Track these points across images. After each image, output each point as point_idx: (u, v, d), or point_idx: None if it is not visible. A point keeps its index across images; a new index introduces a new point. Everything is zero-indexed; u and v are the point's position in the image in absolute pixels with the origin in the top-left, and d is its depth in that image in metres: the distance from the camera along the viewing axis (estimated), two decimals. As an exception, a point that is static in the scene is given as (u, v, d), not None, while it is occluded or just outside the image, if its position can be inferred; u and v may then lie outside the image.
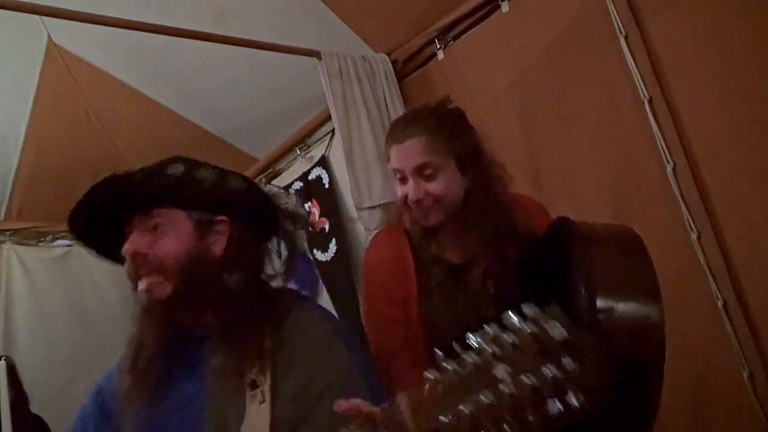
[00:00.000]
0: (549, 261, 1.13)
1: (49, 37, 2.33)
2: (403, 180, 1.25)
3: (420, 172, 1.22)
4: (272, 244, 1.14)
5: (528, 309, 0.54)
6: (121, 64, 2.49)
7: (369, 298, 1.33)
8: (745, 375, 1.58)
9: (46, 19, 2.18)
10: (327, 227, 2.73)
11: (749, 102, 1.61)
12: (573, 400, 0.50)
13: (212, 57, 2.37)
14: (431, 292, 1.22)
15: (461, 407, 0.53)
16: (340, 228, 2.68)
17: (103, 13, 1.78)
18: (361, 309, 2.57)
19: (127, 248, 0.97)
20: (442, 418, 0.55)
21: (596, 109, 1.91)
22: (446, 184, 1.23)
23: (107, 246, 1.07)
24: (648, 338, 0.89)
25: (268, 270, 1.11)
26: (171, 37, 1.99)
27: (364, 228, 2.32)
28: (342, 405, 0.66)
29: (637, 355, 0.88)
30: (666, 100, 1.74)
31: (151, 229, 0.99)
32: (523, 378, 0.51)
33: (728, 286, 1.62)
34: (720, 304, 1.62)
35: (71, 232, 1.04)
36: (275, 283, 1.12)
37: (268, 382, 0.94)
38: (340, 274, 2.65)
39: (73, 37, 2.35)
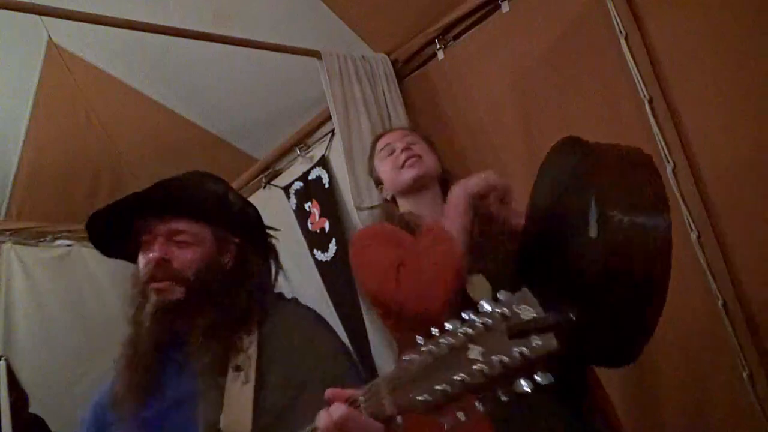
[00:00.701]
0: (550, 182, 1.17)
1: (49, 37, 2.33)
2: (390, 152, 1.46)
3: (405, 139, 1.48)
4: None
5: (501, 294, 0.57)
6: (121, 64, 2.49)
7: (365, 248, 1.33)
8: (745, 375, 1.58)
9: (46, 19, 2.18)
10: (327, 227, 2.73)
11: (749, 102, 1.61)
12: (541, 378, 0.53)
13: (212, 57, 2.37)
14: None
15: (436, 386, 0.57)
16: (340, 228, 2.68)
17: (103, 13, 1.79)
18: (362, 307, 2.58)
19: (154, 255, 1.05)
20: (418, 397, 0.58)
21: (596, 109, 1.91)
22: (428, 151, 1.47)
23: (111, 243, 1.16)
24: (654, 248, 0.91)
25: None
26: (171, 37, 1.99)
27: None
28: (328, 393, 0.70)
29: (643, 265, 0.90)
30: (666, 100, 1.75)
31: (175, 239, 1.08)
32: (494, 357, 0.54)
33: (728, 286, 1.62)
34: (720, 304, 1.62)
35: (92, 223, 1.11)
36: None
37: (253, 366, 1.00)
38: (340, 274, 2.64)
39: (73, 37, 2.35)
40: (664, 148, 1.73)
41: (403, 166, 1.41)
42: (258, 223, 1.22)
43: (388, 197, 1.48)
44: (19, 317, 2.78)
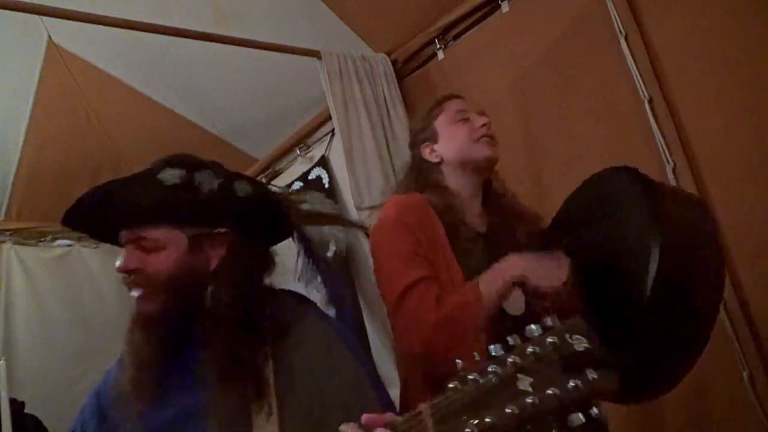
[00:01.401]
0: (594, 200, 1.19)
1: (49, 37, 2.33)
2: (465, 120, 1.36)
3: (482, 114, 1.38)
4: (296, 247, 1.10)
5: (550, 320, 0.54)
6: (121, 64, 2.49)
7: (389, 242, 1.26)
8: (745, 375, 1.58)
9: (46, 19, 2.18)
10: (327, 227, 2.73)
11: (749, 102, 1.61)
12: (595, 412, 0.50)
13: (212, 57, 2.37)
14: (464, 249, 1.23)
15: (486, 419, 0.53)
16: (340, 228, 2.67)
17: (103, 13, 1.79)
18: (362, 307, 2.58)
19: (118, 265, 0.97)
20: (466, 429, 0.54)
21: (596, 109, 1.91)
22: None
23: (107, 235, 1.06)
24: (707, 274, 0.94)
25: (279, 273, 1.08)
26: (171, 37, 1.99)
27: (365, 228, 2.32)
28: (366, 418, 0.65)
29: (692, 273, 0.93)
30: (666, 100, 1.74)
31: (142, 245, 0.97)
32: (548, 391, 0.51)
33: (728, 287, 1.62)
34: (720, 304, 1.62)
35: (68, 227, 1.05)
36: (284, 286, 1.09)
37: (273, 394, 0.91)
38: (341, 274, 2.64)
39: (73, 37, 2.34)
40: (664, 148, 1.73)
41: (479, 140, 1.33)
42: (257, 205, 1.03)
43: (435, 159, 1.36)
44: (19, 317, 2.78)
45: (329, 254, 2.86)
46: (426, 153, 1.37)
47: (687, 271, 0.90)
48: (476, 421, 0.54)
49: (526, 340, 0.54)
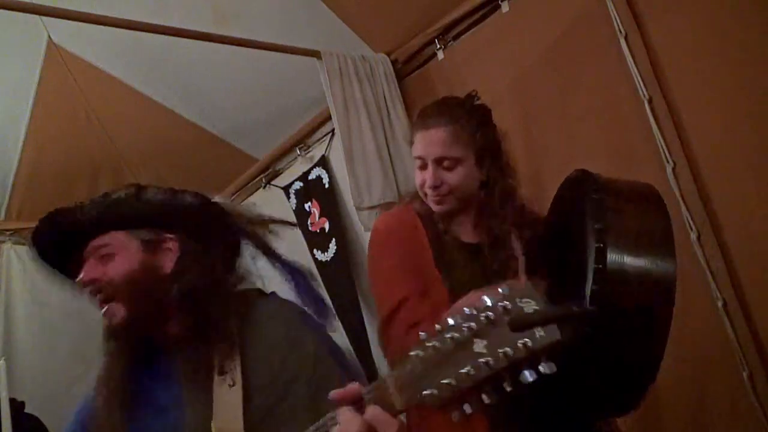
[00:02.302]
0: (564, 211, 1.17)
1: (49, 37, 2.33)
2: (423, 167, 1.32)
3: (440, 162, 1.29)
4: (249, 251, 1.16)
5: (502, 288, 0.58)
6: (121, 64, 2.49)
7: (377, 256, 1.31)
8: (745, 375, 1.58)
9: (46, 19, 2.18)
10: (327, 227, 2.73)
11: (749, 102, 1.61)
12: (545, 369, 0.54)
13: (212, 57, 2.37)
14: (448, 259, 1.27)
15: (444, 380, 0.57)
16: (340, 228, 2.68)
17: (103, 13, 1.78)
18: (362, 307, 2.58)
19: (81, 278, 1.02)
20: (425, 392, 0.59)
21: (596, 109, 1.91)
22: (463, 176, 1.30)
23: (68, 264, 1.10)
24: (656, 288, 0.92)
25: (239, 274, 1.13)
26: (171, 37, 1.99)
27: (364, 228, 2.32)
28: (335, 393, 0.68)
29: (644, 306, 0.91)
30: (666, 100, 1.74)
31: (100, 256, 1.02)
32: (499, 350, 0.55)
33: (728, 286, 1.62)
34: (720, 304, 1.62)
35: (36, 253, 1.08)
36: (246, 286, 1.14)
37: (238, 368, 0.97)
38: (340, 274, 2.64)
39: (73, 37, 2.35)
40: (664, 148, 1.73)
41: (426, 195, 1.33)
42: (203, 214, 1.09)
43: None
44: (19, 317, 2.78)
45: (329, 255, 2.86)
46: None
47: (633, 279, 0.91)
48: (435, 382, 0.58)
49: (482, 308, 0.58)
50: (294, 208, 2.89)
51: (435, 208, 1.33)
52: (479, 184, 1.34)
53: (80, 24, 1.82)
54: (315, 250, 2.77)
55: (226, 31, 2.08)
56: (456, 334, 0.58)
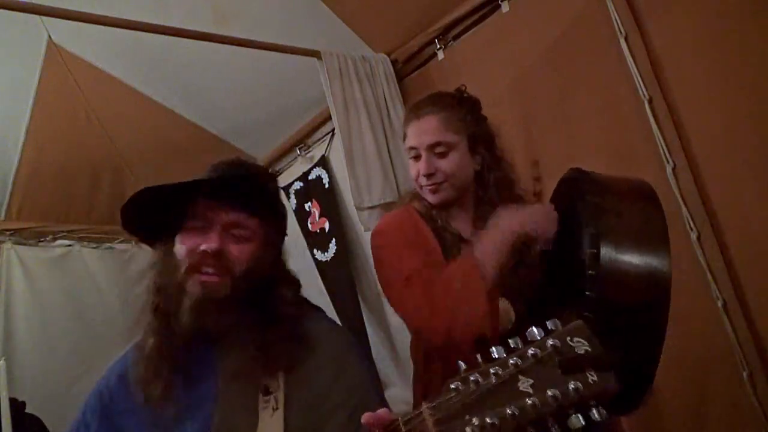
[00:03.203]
0: (561, 210, 1.16)
1: (49, 37, 2.33)
2: (417, 158, 1.31)
3: (433, 149, 1.28)
4: None
5: (551, 323, 0.55)
6: (121, 64, 2.49)
7: (384, 244, 1.28)
8: (745, 375, 1.58)
9: (46, 19, 2.18)
10: (327, 227, 2.73)
11: (749, 102, 1.61)
12: (596, 415, 0.51)
13: (212, 57, 2.37)
14: (452, 254, 1.25)
15: (486, 419, 0.53)
16: (340, 228, 2.68)
17: (103, 13, 1.79)
18: (362, 307, 2.58)
19: (211, 245, 0.97)
20: (466, 428, 0.55)
21: (596, 109, 1.91)
22: (457, 163, 1.29)
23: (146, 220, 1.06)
24: (652, 287, 0.91)
25: None
26: (171, 37, 1.99)
27: (364, 228, 2.32)
28: (367, 417, 0.66)
29: (640, 303, 0.91)
30: (666, 100, 1.74)
31: (235, 235, 1.01)
32: (548, 392, 0.51)
33: (728, 286, 1.62)
34: (720, 304, 1.62)
35: (139, 196, 1.01)
36: None
37: (282, 389, 0.94)
38: (340, 274, 2.65)
39: (73, 37, 2.35)
40: (664, 148, 1.73)
41: (422, 187, 1.32)
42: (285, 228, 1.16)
43: None
44: (19, 317, 2.79)
45: (329, 255, 2.87)
46: None
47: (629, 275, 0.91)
48: (476, 421, 0.54)
49: (528, 342, 0.55)
50: (294, 208, 2.89)
51: (431, 198, 1.31)
52: (474, 174, 1.33)
53: (80, 24, 1.82)
54: (315, 250, 2.77)
55: (226, 31, 2.08)
56: (500, 370, 0.55)
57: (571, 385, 0.51)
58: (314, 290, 2.72)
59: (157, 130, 2.76)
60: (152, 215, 1.04)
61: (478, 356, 0.57)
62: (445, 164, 1.28)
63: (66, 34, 2.33)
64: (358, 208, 2.29)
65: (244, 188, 1.03)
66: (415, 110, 1.35)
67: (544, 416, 0.52)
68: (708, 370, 1.67)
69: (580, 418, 0.51)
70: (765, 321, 1.58)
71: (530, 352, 0.54)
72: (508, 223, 1.13)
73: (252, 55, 2.25)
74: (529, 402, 0.52)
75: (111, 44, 2.34)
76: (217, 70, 2.52)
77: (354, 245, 2.68)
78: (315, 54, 2.29)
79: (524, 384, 0.53)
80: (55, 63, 2.41)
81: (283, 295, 1.04)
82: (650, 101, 1.75)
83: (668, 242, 0.93)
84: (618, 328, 0.88)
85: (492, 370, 0.55)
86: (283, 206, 1.14)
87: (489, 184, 1.33)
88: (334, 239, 2.69)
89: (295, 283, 1.09)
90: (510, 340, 0.56)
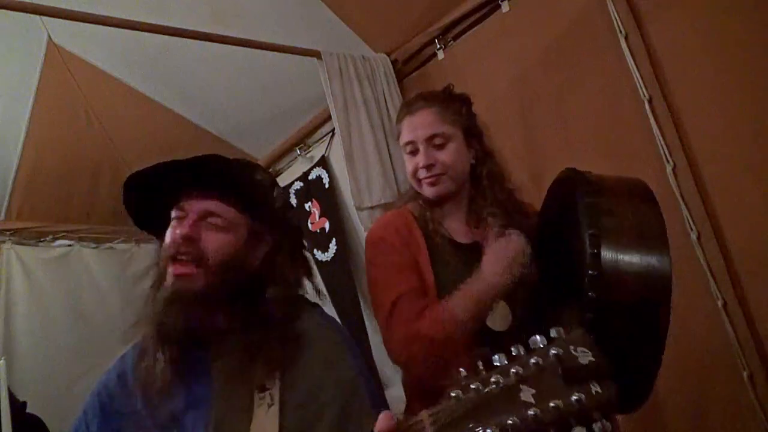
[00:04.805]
0: (556, 211, 1.17)
1: (49, 37, 2.33)
2: (414, 152, 1.31)
3: (431, 141, 1.29)
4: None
5: (554, 331, 0.54)
6: (121, 64, 2.49)
7: (375, 256, 1.29)
8: (745, 375, 1.58)
9: (46, 19, 2.18)
10: (327, 227, 2.73)
11: (749, 102, 1.61)
12: (600, 428, 0.50)
13: (212, 57, 2.37)
14: (441, 259, 1.25)
15: (487, 429, 0.53)
16: (340, 228, 2.68)
17: (103, 13, 1.78)
18: (362, 307, 2.58)
19: (182, 231, 0.97)
20: None
21: (596, 109, 1.91)
22: (455, 153, 1.30)
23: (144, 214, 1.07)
24: (653, 286, 0.91)
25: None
26: (171, 37, 1.99)
27: (364, 228, 2.32)
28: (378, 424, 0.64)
29: (641, 302, 0.90)
30: (666, 100, 1.74)
31: (208, 223, 0.99)
32: (551, 403, 0.51)
33: (728, 286, 1.62)
34: (720, 304, 1.62)
35: (128, 188, 1.02)
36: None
37: (278, 386, 0.94)
38: (340, 274, 2.65)
39: (73, 37, 2.35)
40: (664, 148, 1.73)
41: (419, 181, 1.31)
42: (297, 227, 1.13)
43: None
44: (19, 317, 2.78)
45: (329, 255, 2.86)
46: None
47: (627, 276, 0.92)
48: (477, 430, 0.53)
49: (530, 351, 0.54)
50: (294, 208, 2.89)
51: (429, 192, 1.30)
52: (470, 167, 1.34)
53: (80, 24, 1.82)
54: (315, 250, 2.77)
55: (226, 31, 2.08)
56: (501, 378, 0.54)
57: (575, 397, 0.50)
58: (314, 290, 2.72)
59: (157, 130, 2.75)
60: (149, 206, 1.04)
61: (479, 363, 0.56)
62: (444, 155, 1.28)
63: (66, 34, 2.32)
64: (358, 209, 2.29)
65: (215, 174, 1.00)
66: (407, 107, 1.36)
67: (546, 427, 0.51)
68: (708, 369, 1.67)
69: (583, 430, 0.50)
70: (765, 321, 1.58)
71: (532, 361, 0.53)
72: (491, 278, 1.13)
73: (252, 55, 2.25)
74: (531, 413, 0.51)
75: (111, 44, 2.34)
76: (217, 70, 2.52)
77: (354, 245, 2.68)
78: (315, 54, 2.29)
79: (526, 394, 0.52)
80: (55, 63, 2.41)
81: (272, 295, 1.01)
82: (650, 101, 1.76)
83: (667, 242, 0.93)
84: (619, 328, 0.89)
85: (493, 379, 0.54)
86: (282, 203, 1.10)
87: (482, 177, 1.33)
88: (334, 239, 2.69)
89: (290, 284, 1.06)
90: (512, 348, 0.55)
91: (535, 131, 2.08)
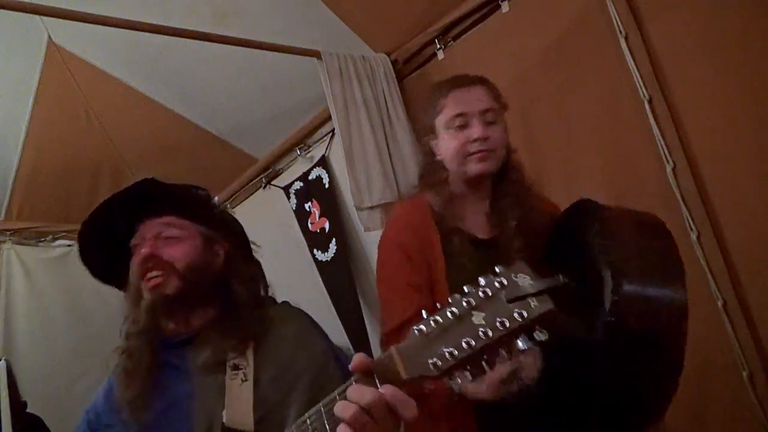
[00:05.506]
0: (568, 240, 1.16)
1: (49, 37, 2.33)
2: (462, 127, 1.25)
3: (484, 115, 1.25)
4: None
5: (497, 268, 0.63)
6: (121, 64, 2.49)
7: (387, 264, 1.26)
8: (745, 375, 1.58)
9: (46, 19, 2.18)
10: (327, 227, 2.73)
11: (749, 102, 1.61)
12: (540, 337, 0.59)
13: (212, 57, 2.37)
14: (457, 263, 1.21)
15: (445, 350, 0.61)
16: (340, 228, 2.68)
17: (103, 13, 1.78)
18: (362, 307, 2.58)
19: (143, 251, 1.07)
20: (429, 361, 0.62)
21: (596, 109, 1.91)
22: (503, 133, 1.28)
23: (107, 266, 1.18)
24: (668, 319, 0.96)
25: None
26: (171, 37, 1.99)
27: (364, 228, 2.32)
28: (355, 364, 0.70)
29: (657, 335, 0.95)
30: (666, 100, 1.74)
31: (165, 237, 1.10)
32: (497, 320, 0.60)
33: (728, 286, 1.62)
34: (720, 304, 1.62)
35: (82, 234, 1.15)
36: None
37: (251, 365, 1.03)
38: (340, 274, 2.64)
39: (73, 37, 2.35)
40: (664, 148, 1.73)
41: (469, 156, 1.24)
42: (243, 233, 1.24)
43: (438, 155, 1.32)
44: (19, 317, 2.79)
45: (329, 255, 2.86)
46: (430, 145, 1.34)
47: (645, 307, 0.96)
48: (437, 353, 0.62)
49: (479, 286, 0.63)
50: (294, 208, 2.89)
51: (476, 168, 1.23)
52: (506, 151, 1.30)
53: (80, 24, 1.82)
54: (315, 250, 2.77)
55: (225, 31, 2.08)
56: (455, 309, 0.62)
57: (516, 312, 0.59)
58: (314, 290, 2.72)
59: (157, 130, 2.75)
60: (110, 255, 1.16)
61: (437, 304, 0.64)
62: (496, 131, 1.25)
63: (66, 34, 2.32)
64: (358, 209, 2.29)
65: (156, 196, 1.12)
66: (456, 81, 1.31)
67: (496, 342, 0.60)
68: (708, 370, 1.67)
69: (526, 339, 0.59)
70: (765, 321, 1.58)
71: (481, 291, 0.62)
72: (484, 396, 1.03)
73: (252, 55, 2.25)
74: (482, 331, 0.60)
75: (111, 44, 2.34)
76: (217, 70, 2.52)
77: (354, 245, 2.68)
78: (315, 54, 2.29)
79: (477, 318, 0.61)
80: (55, 63, 2.41)
81: (236, 290, 1.12)
82: (650, 101, 1.76)
83: (684, 276, 0.98)
84: (638, 354, 0.92)
85: (449, 311, 0.63)
86: (220, 211, 1.26)
87: (509, 167, 1.31)
88: (334, 239, 2.69)
89: (251, 279, 1.17)
90: (465, 287, 0.63)
91: (535, 131, 2.08)
